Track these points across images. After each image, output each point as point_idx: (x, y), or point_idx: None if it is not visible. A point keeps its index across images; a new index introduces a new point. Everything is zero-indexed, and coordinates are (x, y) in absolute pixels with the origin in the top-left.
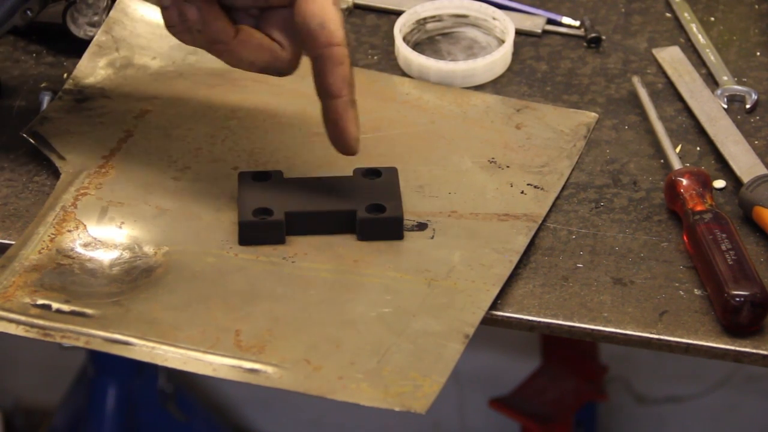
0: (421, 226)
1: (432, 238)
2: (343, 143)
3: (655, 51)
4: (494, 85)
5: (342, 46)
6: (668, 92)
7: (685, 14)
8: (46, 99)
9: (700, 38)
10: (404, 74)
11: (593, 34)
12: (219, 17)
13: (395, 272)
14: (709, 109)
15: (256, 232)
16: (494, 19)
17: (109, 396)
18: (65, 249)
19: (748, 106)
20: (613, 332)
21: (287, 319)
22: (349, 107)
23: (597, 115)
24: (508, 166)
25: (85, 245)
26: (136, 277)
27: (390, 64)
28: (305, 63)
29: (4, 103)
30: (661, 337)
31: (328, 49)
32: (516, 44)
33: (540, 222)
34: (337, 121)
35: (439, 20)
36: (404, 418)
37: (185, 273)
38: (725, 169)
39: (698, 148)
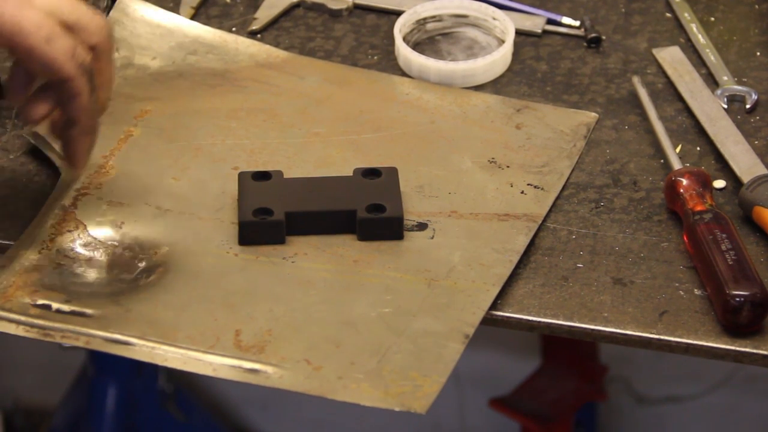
0: (421, 226)
1: (432, 238)
2: (69, 162)
3: (655, 51)
4: (494, 85)
5: (73, 80)
6: (668, 92)
7: (685, 14)
8: None
9: (700, 38)
10: (404, 74)
11: (593, 34)
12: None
13: (395, 272)
14: (709, 109)
15: (256, 232)
16: (494, 19)
17: (109, 396)
18: (65, 249)
19: (748, 106)
20: (613, 332)
21: (287, 319)
22: (83, 134)
23: (597, 115)
24: (508, 166)
25: (85, 245)
26: (136, 277)
27: (390, 64)
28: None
29: (4, 103)
30: (661, 337)
31: (62, 84)
32: (516, 44)
33: (540, 222)
34: (68, 145)
35: (439, 20)
36: (404, 418)
37: (185, 273)
38: (725, 169)
39: (698, 148)
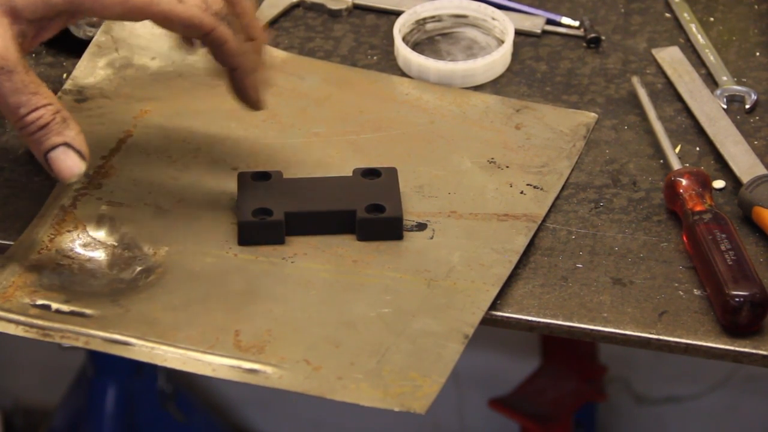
0: (421, 227)
1: (431, 238)
2: (247, 105)
3: (654, 51)
4: (494, 86)
5: (215, 30)
6: (668, 92)
7: (685, 14)
8: None
9: (699, 38)
10: (404, 74)
11: (593, 35)
12: None
13: (395, 272)
14: (709, 110)
15: (255, 232)
16: (494, 19)
17: (108, 396)
18: (65, 249)
19: (747, 107)
20: (612, 332)
21: (287, 320)
22: (246, 75)
23: (596, 116)
24: (507, 167)
25: (85, 245)
26: (135, 278)
27: (389, 64)
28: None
29: None
30: (661, 337)
31: (206, 37)
32: (515, 44)
33: (539, 222)
34: (239, 91)
35: (438, 20)
36: (404, 419)
37: (185, 273)
38: (725, 169)
39: (698, 149)
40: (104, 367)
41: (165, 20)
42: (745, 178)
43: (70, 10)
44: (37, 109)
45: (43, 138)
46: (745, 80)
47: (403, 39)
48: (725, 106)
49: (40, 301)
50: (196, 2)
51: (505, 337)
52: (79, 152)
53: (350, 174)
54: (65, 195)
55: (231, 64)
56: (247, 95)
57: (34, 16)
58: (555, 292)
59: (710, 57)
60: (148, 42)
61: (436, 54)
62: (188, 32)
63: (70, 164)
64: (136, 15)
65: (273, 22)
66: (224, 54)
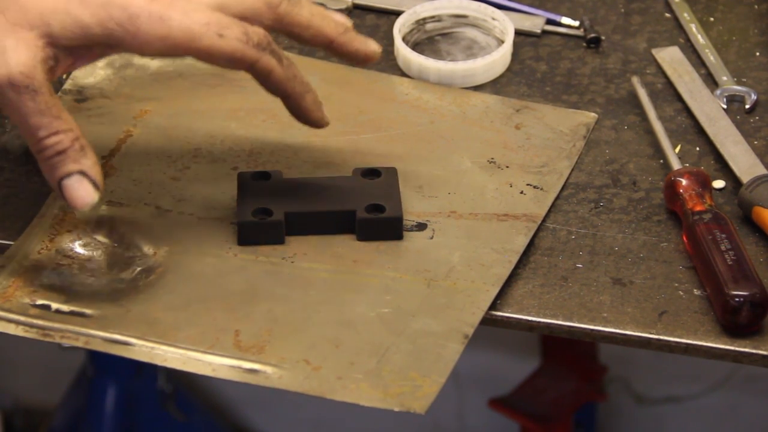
0: (421, 227)
1: (431, 238)
2: (309, 125)
3: (654, 51)
4: (494, 86)
5: (257, 61)
6: (668, 92)
7: (685, 14)
8: None
9: (699, 38)
10: (404, 74)
11: (592, 35)
12: None
13: (394, 272)
14: (709, 110)
15: (255, 232)
16: (493, 19)
17: (108, 396)
18: (65, 249)
19: (747, 107)
20: (612, 332)
21: (287, 320)
22: (300, 98)
23: (596, 116)
24: (507, 167)
25: (85, 245)
26: (135, 278)
27: (389, 64)
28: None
29: None
30: (661, 337)
31: (250, 70)
32: (515, 44)
33: (539, 222)
34: (297, 114)
35: (438, 20)
36: (404, 419)
37: (185, 273)
38: (725, 169)
39: (698, 149)
40: (104, 367)
41: (207, 56)
42: (745, 178)
43: (107, 43)
44: (57, 133)
45: (59, 164)
46: (745, 80)
47: (403, 39)
48: (725, 106)
49: (40, 301)
50: (236, 35)
51: (505, 337)
52: (93, 182)
53: (350, 174)
54: None
55: (281, 93)
56: (307, 117)
57: (70, 43)
58: (555, 292)
59: (710, 57)
60: None
61: (436, 54)
62: (231, 66)
63: (83, 194)
64: (176, 51)
65: None
66: (271, 83)
